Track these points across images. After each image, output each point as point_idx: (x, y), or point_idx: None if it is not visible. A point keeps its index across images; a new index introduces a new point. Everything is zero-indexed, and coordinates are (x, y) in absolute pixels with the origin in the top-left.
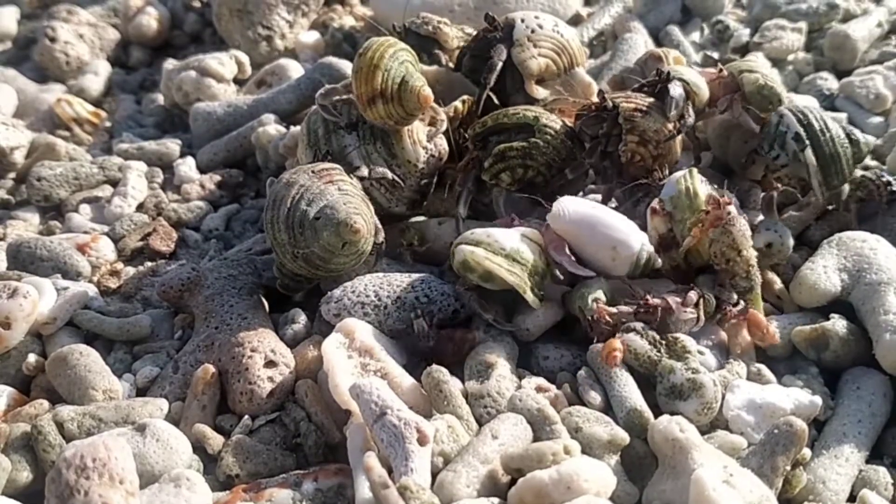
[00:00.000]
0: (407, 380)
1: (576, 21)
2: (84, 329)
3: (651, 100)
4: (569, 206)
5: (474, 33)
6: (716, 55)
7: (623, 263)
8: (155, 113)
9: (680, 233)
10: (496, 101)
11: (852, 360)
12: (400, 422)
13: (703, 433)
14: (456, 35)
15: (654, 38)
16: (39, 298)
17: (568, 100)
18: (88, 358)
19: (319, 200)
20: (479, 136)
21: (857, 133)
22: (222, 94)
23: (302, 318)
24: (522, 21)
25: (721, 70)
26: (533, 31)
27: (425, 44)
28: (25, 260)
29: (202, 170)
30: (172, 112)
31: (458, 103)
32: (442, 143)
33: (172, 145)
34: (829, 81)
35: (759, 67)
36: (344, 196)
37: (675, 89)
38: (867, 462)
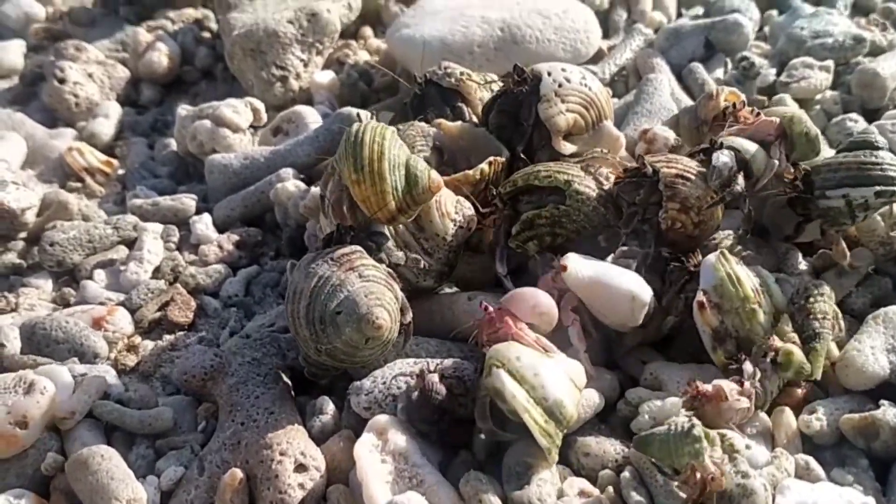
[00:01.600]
0: (444, 488)
1: (598, 57)
2: (104, 421)
3: (694, 165)
4: (582, 265)
5: (499, 84)
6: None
7: (640, 313)
8: (168, 161)
9: (732, 323)
10: (523, 156)
11: None
12: None
13: None
14: (479, 84)
15: (676, 74)
16: (56, 390)
17: (606, 156)
18: (110, 462)
19: (339, 292)
20: (509, 195)
21: None
22: (238, 143)
23: (330, 408)
24: (549, 74)
25: (759, 114)
26: (560, 86)
27: (448, 96)
28: (40, 342)
29: (219, 226)
30: (186, 160)
31: (484, 165)
32: (469, 212)
33: (188, 201)
34: (858, 124)
35: (801, 112)
36: (365, 285)
37: (720, 158)
38: None
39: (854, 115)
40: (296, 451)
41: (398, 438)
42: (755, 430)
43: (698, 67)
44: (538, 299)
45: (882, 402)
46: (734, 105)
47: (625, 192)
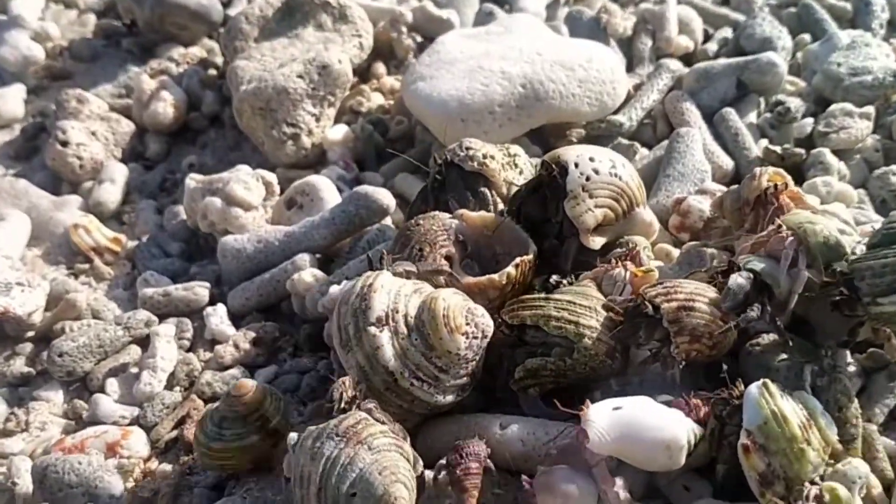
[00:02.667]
0: None
1: (625, 100)
2: None
3: (701, 287)
4: (603, 426)
5: (523, 162)
6: (778, 148)
7: (679, 457)
8: (178, 233)
9: (779, 464)
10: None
11: None
12: None
13: None
14: (503, 165)
15: (707, 119)
16: None
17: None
18: None
19: (351, 472)
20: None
21: None
22: (251, 222)
23: None
24: (577, 167)
25: (779, 227)
26: (588, 179)
27: (470, 180)
28: (53, 486)
29: (234, 314)
30: (197, 233)
31: (511, 269)
32: (484, 320)
33: (200, 290)
34: None
35: (819, 219)
36: (377, 459)
37: (736, 280)
38: None
39: None
40: None
41: None
42: None
43: (731, 114)
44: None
45: None
46: (776, 186)
47: (626, 337)
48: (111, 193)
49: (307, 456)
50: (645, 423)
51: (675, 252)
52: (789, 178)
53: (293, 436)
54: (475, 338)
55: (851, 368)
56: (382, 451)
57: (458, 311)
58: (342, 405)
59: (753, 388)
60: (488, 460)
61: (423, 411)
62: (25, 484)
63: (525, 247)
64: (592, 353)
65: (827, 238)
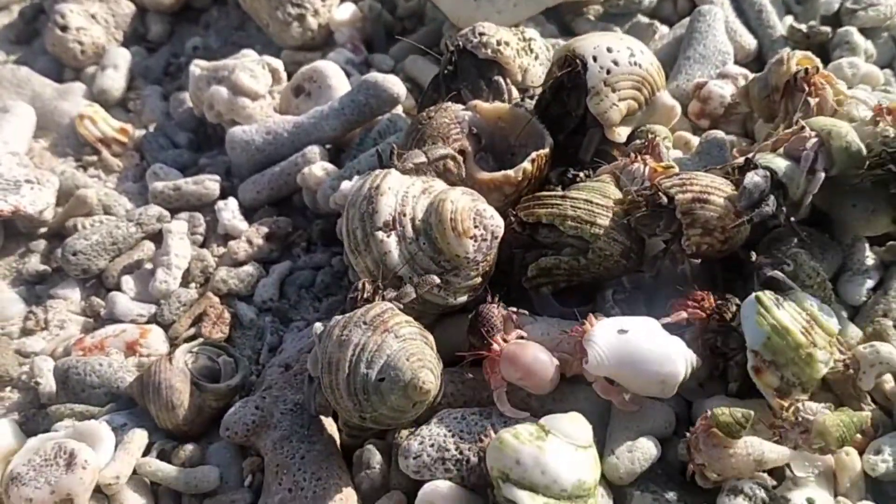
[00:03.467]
0: None
1: None
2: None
3: (717, 181)
4: (604, 349)
5: (538, 45)
6: (803, 26)
7: (673, 389)
8: (186, 123)
9: (792, 373)
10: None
11: None
12: None
13: None
14: (518, 51)
15: None
16: (97, 450)
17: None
18: None
19: (379, 358)
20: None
21: None
22: (258, 111)
23: (377, 461)
24: (595, 60)
25: (803, 128)
26: (609, 72)
27: (484, 68)
28: (75, 387)
29: (245, 208)
30: (205, 122)
31: (527, 164)
32: (493, 221)
33: (211, 184)
34: None
35: (845, 125)
36: (404, 346)
37: (752, 178)
38: None
39: None
40: None
41: None
42: (818, 472)
43: None
44: (530, 369)
45: None
46: (806, 70)
47: (643, 226)
48: (115, 80)
49: (335, 343)
50: (645, 354)
51: (695, 140)
52: (818, 61)
53: (318, 325)
54: (484, 240)
55: (870, 261)
56: (408, 340)
57: (466, 214)
58: (364, 296)
59: (748, 306)
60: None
61: (436, 312)
62: (48, 383)
63: (541, 140)
64: (607, 253)
65: (849, 144)
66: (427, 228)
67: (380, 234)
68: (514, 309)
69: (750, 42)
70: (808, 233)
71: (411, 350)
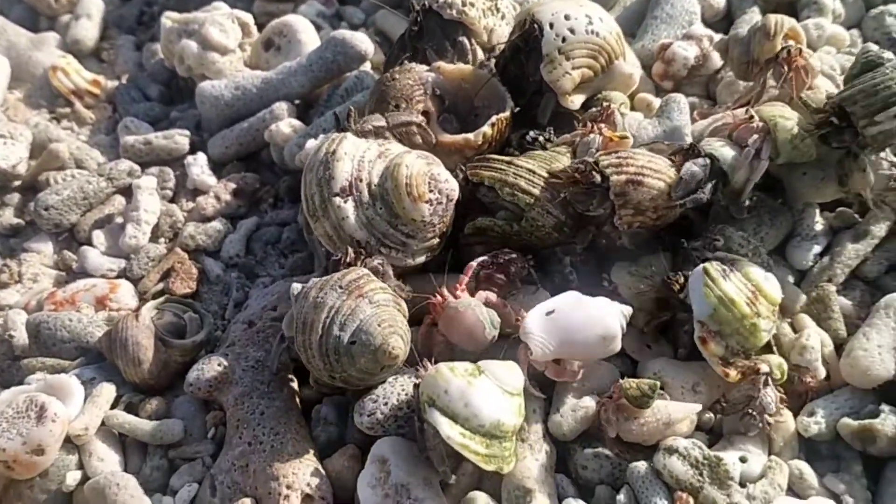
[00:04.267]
0: None
1: None
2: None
3: (655, 162)
4: (542, 337)
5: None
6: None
7: (616, 343)
8: (158, 74)
9: (736, 342)
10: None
11: None
12: None
13: None
14: (484, 10)
15: None
16: (67, 403)
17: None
18: (126, 492)
19: (352, 322)
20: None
21: None
22: (228, 66)
23: (334, 417)
24: (552, 27)
25: (752, 117)
26: (564, 40)
27: (449, 29)
28: (47, 341)
29: (215, 162)
30: (177, 74)
31: (486, 128)
32: (447, 185)
33: (181, 139)
34: None
35: (794, 115)
36: (377, 311)
37: (690, 168)
38: None
39: (894, 9)
40: (302, 483)
41: (399, 472)
42: (754, 433)
43: None
44: (469, 333)
45: (883, 407)
46: (788, 51)
47: (578, 202)
48: (88, 30)
49: (311, 305)
50: (578, 322)
51: (657, 102)
52: (803, 35)
53: (296, 286)
54: (440, 203)
55: (819, 227)
56: (382, 306)
57: (420, 179)
58: (347, 261)
59: (695, 278)
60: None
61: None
62: (21, 337)
63: (503, 103)
64: (539, 224)
65: (794, 136)
66: (383, 193)
67: (337, 199)
68: None
69: (719, 1)
70: (759, 198)
71: (383, 316)
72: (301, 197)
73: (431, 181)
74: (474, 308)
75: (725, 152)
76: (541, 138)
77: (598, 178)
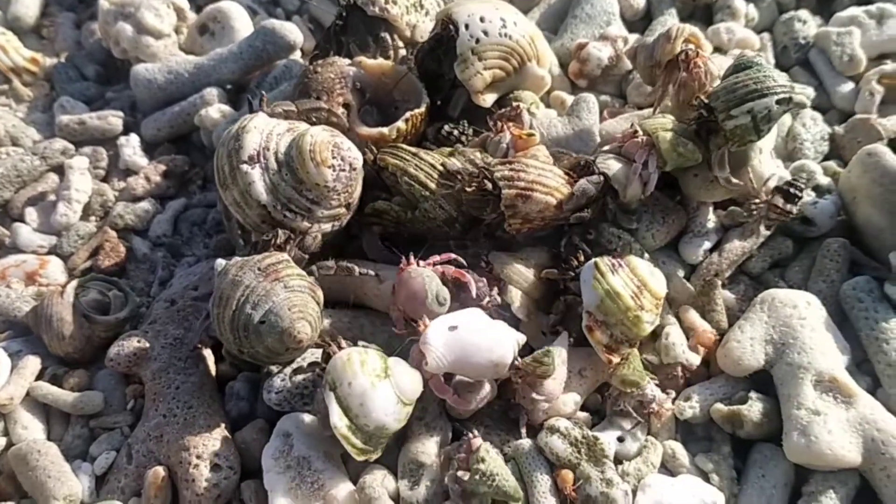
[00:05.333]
0: (342, 492)
1: None
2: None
3: (541, 174)
4: (440, 350)
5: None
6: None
7: (505, 369)
8: (95, 53)
9: (620, 332)
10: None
11: (765, 434)
12: None
13: None
14: (407, 7)
15: None
16: None
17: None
18: (47, 458)
19: (264, 304)
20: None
21: None
22: (162, 50)
23: (246, 393)
24: (467, 28)
25: (636, 132)
26: (478, 41)
27: (372, 25)
28: None
29: (147, 142)
30: (114, 55)
31: (400, 123)
32: (351, 153)
33: (114, 120)
34: (807, 26)
35: (673, 126)
36: (289, 296)
37: (581, 185)
38: None
39: (803, 14)
40: (210, 454)
41: (301, 446)
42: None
43: None
44: (412, 298)
45: (751, 394)
46: (686, 54)
47: (472, 208)
48: (29, 7)
49: (229, 282)
50: (476, 344)
51: (570, 100)
52: (703, 38)
53: (220, 262)
54: (343, 170)
55: (711, 224)
56: (296, 291)
57: (324, 146)
58: (277, 243)
59: (586, 271)
60: None
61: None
62: None
63: (419, 98)
64: (431, 216)
65: (675, 144)
66: (289, 161)
67: (244, 166)
68: None
69: (639, 1)
70: (655, 197)
71: (295, 301)
72: (214, 171)
73: (335, 149)
74: (424, 278)
75: (616, 170)
76: (455, 132)
77: (489, 186)
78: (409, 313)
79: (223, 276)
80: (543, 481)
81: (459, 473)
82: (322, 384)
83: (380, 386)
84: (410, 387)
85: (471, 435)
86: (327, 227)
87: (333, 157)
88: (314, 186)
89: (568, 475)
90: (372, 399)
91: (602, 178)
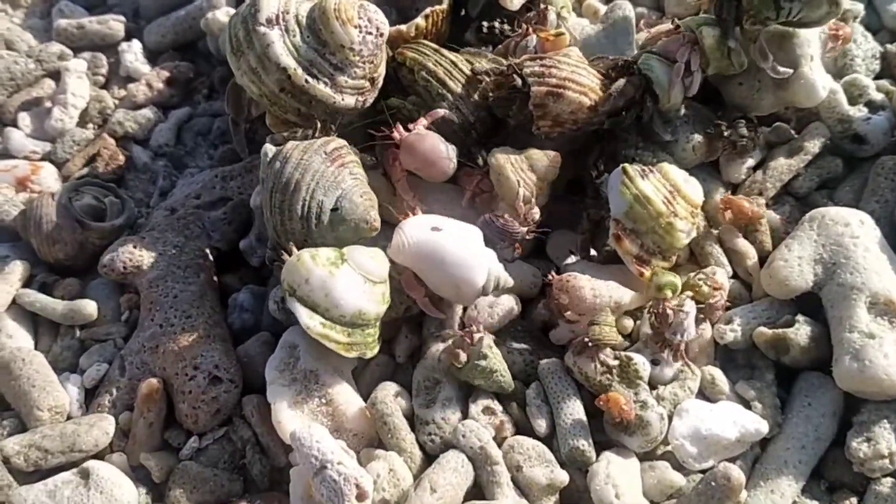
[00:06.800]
0: (352, 407)
1: None
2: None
3: (580, 71)
4: (409, 239)
5: None
6: None
7: (468, 297)
8: None
9: (652, 241)
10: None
11: (812, 361)
12: (340, 476)
13: (645, 460)
14: None
15: None
16: None
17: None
18: (31, 367)
19: (335, 189)
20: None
21: None
22: None
23: (250, 304)
24: None
25: (678, 27)
26: None
27: None
28: None
29: (150, 51)
30: None
31: (420, 20)
32: (377, 16)
33: (115, 24)
34: None
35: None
36: (357, 184)
37: (619, 85)
38: (804, 491)
39: None
40: (209, 365)
41: (308, 358)
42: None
43: None
44: (427, 157)
45: (798, 317)
46: None
47: (498, 107)
48: None
49: (294, 165)
50: (448, 255)
51: (603, 9)
52: None
53: (270, 147)
54: (369, 33)
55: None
56: (360, 179)
57: (349, 4)
58: (316, 134)
59: (613, 177)
60: None
61: (324, 113)
62: None
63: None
64: (446, 119)
65: (721, 42)
66: (311, 23)
67: (262, 28)
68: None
69: None
70: (695, 108)
71: (364, 188)
72: (224, 42)
73: (360, 9)
74: (433, 135)
75: (659, 71)
76: (497, 27)
77: (518, 81)
78: (431, 178)
79: (283, 161)
80: (572, 404)
81: (457, 352)
82: (280, 295)
83: (339, 272)
84: (373, 263)
85: (474, 328)
86: (351, 101)
87: (359, 18)
88: (338, 49)
89: (618, 397)
90: (336, 285)
91: (642, 80)
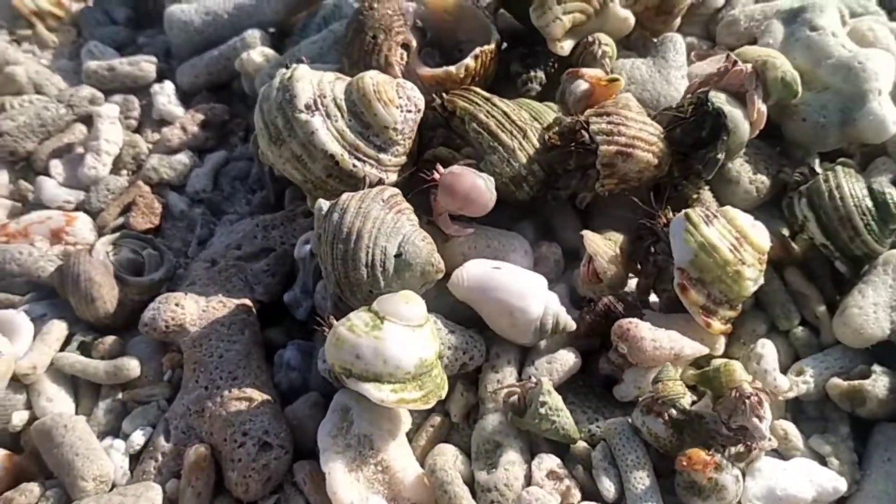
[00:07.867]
0: (409, 474)
1: None
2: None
3: (642, 129)
4: (469, 274)
5: None
6: None
7: (523, 331)
8: None
9: (719, 291)
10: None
11: (890, 414)
12: None
13: None
14: None
15: None
16: (14, 340)
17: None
18: (74, 434)
19: (396, 235)
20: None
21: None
22: None
23: (296, 362)
24: None
25: (735, 62)
26: None
27: None
28: None
29: (183, 91)
30: None
31: (469, 60)
32: (414, 93)
33: (147, 66)
34: None
35: (776, 54)
36: (416, 229)
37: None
38: None
39: None
40: (259, 431)
41: (362, 422)
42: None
43: None
44: (467, 196)
45: (875, 367)
46: None
47: (559, 163)
48: None
49: (354, 213)
50: (505, 285)
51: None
52: None
53: (323, 202)
54: (409, 111)
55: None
56: (417, 225)
57: (388, 86)
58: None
59: (676, 224)
60: None
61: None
62: None
63: (487, 35)
64: (497, 170)
65: (784, 74)
66: (351, 106)
67: (303, 115)
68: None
69: None
70: (756, 146)
71: (423, 234)
72: (258, 131)
73: (399, 88)
74: (468, 171)
75: (731, 106)
76: (541, 75)
77: (586, 137)
78: (473, 214)
79: (342, 212)
80: (642, 468)
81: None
82: (336, 378)
83: (383, 334)
84: (409, 308)
85: (533, 379)
86: (394, 178)
87: (399, 97)
88: (382, 130)
89: (698, 453)
90: (387, 349)
91: (713, 115)
